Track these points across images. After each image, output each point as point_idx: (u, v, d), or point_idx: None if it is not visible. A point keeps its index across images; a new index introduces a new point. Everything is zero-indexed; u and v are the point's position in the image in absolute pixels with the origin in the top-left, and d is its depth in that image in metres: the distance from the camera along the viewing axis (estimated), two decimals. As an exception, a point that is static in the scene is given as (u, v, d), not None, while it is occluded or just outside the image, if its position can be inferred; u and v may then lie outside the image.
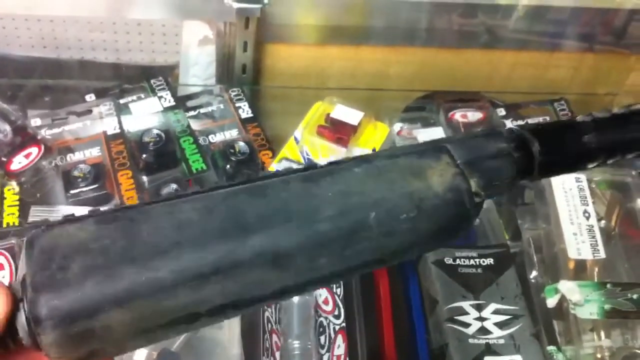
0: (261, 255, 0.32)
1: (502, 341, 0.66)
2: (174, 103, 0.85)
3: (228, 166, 0.79)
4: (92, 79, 0.99)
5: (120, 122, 0.82)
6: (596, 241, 0.69)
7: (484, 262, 0.72)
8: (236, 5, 0.83)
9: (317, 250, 0.33)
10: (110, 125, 0.82)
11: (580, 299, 0.65)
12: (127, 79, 0.99)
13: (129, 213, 0.33)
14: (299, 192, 0.35)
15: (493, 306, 0.68)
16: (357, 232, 0.34)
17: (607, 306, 0.65)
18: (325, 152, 0.79)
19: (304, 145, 0.80)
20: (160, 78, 0.87)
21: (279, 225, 0.33)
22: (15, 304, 0.31)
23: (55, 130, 0.81)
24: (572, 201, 0.71)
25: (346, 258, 0.34)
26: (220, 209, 0.33)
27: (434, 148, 0.38)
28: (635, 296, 0.65)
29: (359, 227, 0.34)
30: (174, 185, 0.75)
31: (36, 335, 0.30)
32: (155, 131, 0.79)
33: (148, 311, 0.31)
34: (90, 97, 0.85)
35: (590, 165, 0.42)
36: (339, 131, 0.80)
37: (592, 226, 0.70)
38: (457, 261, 0.71)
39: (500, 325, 0.67)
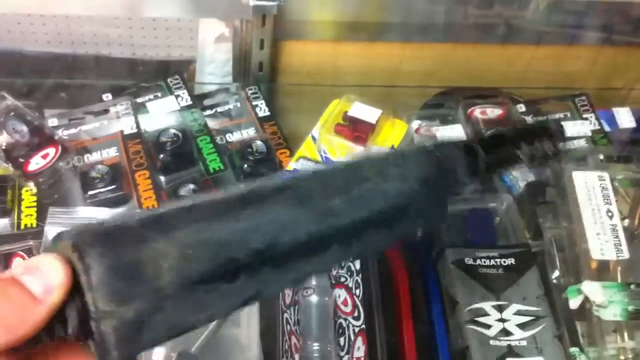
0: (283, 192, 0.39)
1: (524, 343, 0.65)
2: (190, 102, 0.84)
3: (245, 166, 0.78)
4: (107, 74, 0.99)
5: (137, 122, 0.82)
6: (619, 241, 0.68)
7: (505, 262, 0.71)
8: (253, 2, 0.82)
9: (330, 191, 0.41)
10: (127, 125, 0.82)
11: (604, 300, 0.64)
12: (143, 75, 1.00)
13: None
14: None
15: (515, 307, 0.67)
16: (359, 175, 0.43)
17: (630, 307, 0.64)
18: (343, 151, 0.79)
19: (322, 144, 0.80)
20: (177, 77, 0.87)
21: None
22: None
23: (72, 131, 0.81)
24: (595, 200, 0.70)
25: (354, 201, 0.41)
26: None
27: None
28: (659, 297, 0.64)
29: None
30: (192, 185, 0.75)
31: (95, 322, 0.32)
32: (173, 131, 0.79)
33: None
34: (107, 97, 0.85)
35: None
36: (357, 129, 0.79)
37: (616, 225, 0.69)
38: (478, 261, 0.71)
39: (522, 326, 0.66)
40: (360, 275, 0.70)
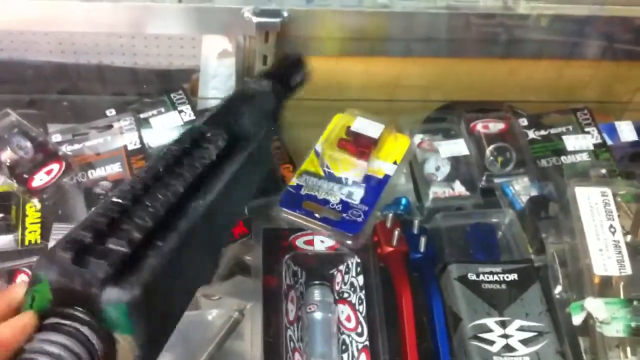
0: None
1: (527, 359, 0.65)
2: (194, 117, 0.85)
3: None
4: (110, 84, 1.00)
5: (140, 137, 0.82)
6: (622, 257, 0.68)
7: (507, 277, 0.71)
8: (256, 19, 0.83)
9: None
10: (130, 140, 0.82)
11: (607, 316, 0.64)
12: (144, 84, 1.00)
13: None
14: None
15: (518, 323, 0.68)
16: None
17: (633, 324, 0.64)
18: (346, 166, 0.79)
19: (325, 158, 0.80)
20: (180, 92, 0.87)
21: None
22: None
23: (76, 146, 0.82)
24: (598, 216, 0.70)
25: None
26: None
27: None
28: (662, 313, 0.64)
29: None
30: (196, 201, 0.75)
31: None
32: (176, 146, 0.79)
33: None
34: (110, 112, 0.85)
35: None
36: (360, 144, 0.79)
37: (618, 241, 0.69)
38: (481, 277, 0.71)
39: (525, 342, 0.66)
40: (363, 292, 0.70)
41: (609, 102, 1.05)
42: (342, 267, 0.73)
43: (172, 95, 0.87)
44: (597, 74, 1.03)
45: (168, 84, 0.92)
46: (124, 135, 0.83)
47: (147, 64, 1.01)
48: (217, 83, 0.92)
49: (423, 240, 0.73)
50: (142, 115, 0.85)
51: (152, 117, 0.85)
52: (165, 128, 0.84)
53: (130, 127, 0.83)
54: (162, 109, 0.85)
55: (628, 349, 0.65)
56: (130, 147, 0.82)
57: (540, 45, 0.99)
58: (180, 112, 0.85)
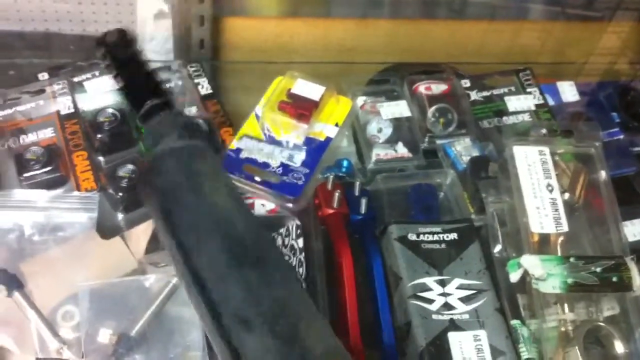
0: None
1: (466, 316, 0.65)
2: (129, 80, 0.82)
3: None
4: (57, 51, 0.96)
5: (74, 101, 0.80)
6: (559, 215, 0.68)
7: (447, 237, 0.71)
8: (189, -23, 0.80)
9: None
10: (64, 105, 0.80)
11: (543, 273, 0.64)
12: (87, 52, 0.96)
13: None
14: None
15: (457, 281, 0.68)
16: None
17: (570, 280, 0.65)
18: (287, 129, 0.78)
19: (265, 122, 0.79)
20: (116, 54, 0.84)
21: None
22: None
23: (7, 111, 0.79)
24: (535, 175, 0.70)
25: None
26: None
27: None
28: (598, 269, 0.65)
29: None
30: (131, 166, 0.73)
31: None
32: (111, 110, 0.77)
33: None
34: (43, 76, 0.82)
35: None
36: (300, 107, 0.78)
37: (555, 199, 0.69)
38: (421, 237, 0.70)
39: (464, 300, 0.67)
40: (303, 254, 0.69)
41: (562, 63, 1.06)
42: (282, 230, 0.72)
43: (107, 58, 0.84)
44: (549, 35, 1.04)
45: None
46: (57, 99, 0.80)
47: (97, 31, 0.97)
48: (155, 46, 0.89)
49: (364, 201, 0.73)
50: (75, 79, 0.82)
51: (86, 81, 0.82)
52: (100, 92, 0.81)
53: (63, 91, 0.81)
54: (97, 72, 0.83)
55: (565, 305, 0.66)
56: (63, 112, 0.79)
57: (492, 7, 0.98)
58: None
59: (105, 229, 0.69)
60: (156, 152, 0.54)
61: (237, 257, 0.47)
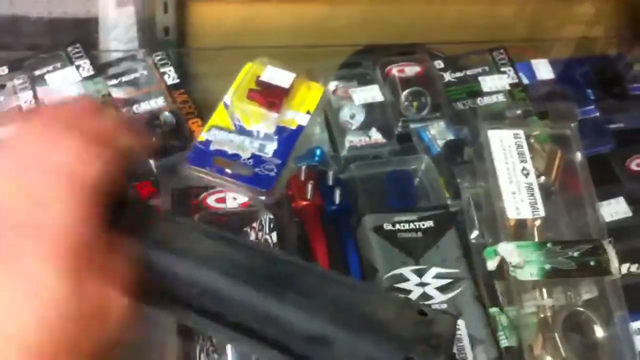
0: None
1: (444, 306, 0.65)
2: (93, 72, 0.80)
3: (153, 139, 0.75)
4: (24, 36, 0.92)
5: (35, 96, 0.77)
6: (535, 199, 0.68)
7: (424, 225, 0.70)
8: (150, -38, 0.78)
9: None
10: (25, 100, 0.77)
11: (520, 260, 0.64)
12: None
13: None
14: None
15: (434, 270, 0.67)
16: None
17: (547, 266, 0.64)
18: (257, 118, 0.76)
19: (235, 111, 0.76)
20: (78, 45, 0.82)
21: None
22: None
23: (-34, 109, 0.76)
24: (511, 159, 0.69)
25: None
26: None
27: None
28: (576, 254, 0.65)
29: None
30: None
31: None
32: (73, 104, 0.74)
33: None
34: (2, 71, 0.80)
35: None
36: (270, 95, 0.76)
37: (531, 184, 0.68)
38: (397, 226, 0.69)
39: (441, 289, 0.66)
40: (277, 248, 0.68)
41: (535, 41, 1.04)
42: (255, 225, 0.70)
43: (68, 49, 0.81)
44: (522, 14, 1.02)
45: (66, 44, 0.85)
46: (18, 95, 0.78)
47: (65, 14, 0.94)
48: (118, 34, 0.86)
49: (338, 191, 0.72)
50: (36, 72, 0.79)
51: (47, 74, 0.79)
52: (62, 85, 0.78)
53: (24, 85, 0.78)
54: (58, 65, 0.80)
55: (544, 291, 0.66)
56: (24, 107, 0.76)
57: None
58: (77, 67, 0.80)
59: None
60: None
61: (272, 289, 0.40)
